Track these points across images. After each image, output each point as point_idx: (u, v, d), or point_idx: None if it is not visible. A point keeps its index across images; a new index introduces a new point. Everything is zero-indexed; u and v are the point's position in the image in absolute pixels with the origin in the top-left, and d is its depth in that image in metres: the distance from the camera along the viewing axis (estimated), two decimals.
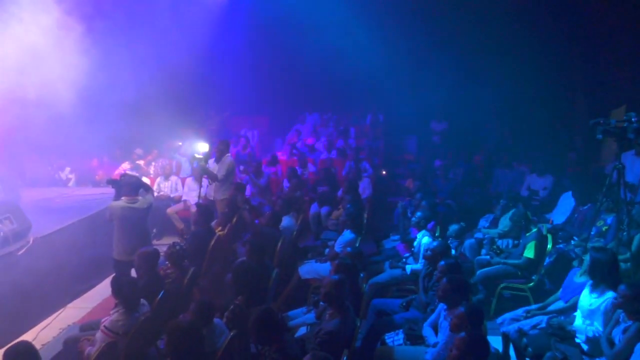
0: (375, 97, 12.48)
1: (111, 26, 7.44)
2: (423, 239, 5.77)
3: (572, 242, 6.07)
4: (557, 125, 10.94)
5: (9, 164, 7.80)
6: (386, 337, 4.35)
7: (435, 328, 4.15)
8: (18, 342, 3.49)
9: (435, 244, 5.10)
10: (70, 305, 6.08)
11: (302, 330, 4.50)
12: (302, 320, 4.66)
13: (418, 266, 5.58)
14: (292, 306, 5.12)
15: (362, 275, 5.05)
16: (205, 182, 7.60)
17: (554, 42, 10.74)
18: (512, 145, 10.45)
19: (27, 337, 5.21)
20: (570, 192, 6.97)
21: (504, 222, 6.57)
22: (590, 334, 3.90)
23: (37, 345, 5.00)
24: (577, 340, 4.00)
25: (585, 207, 6.51)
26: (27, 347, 3.41)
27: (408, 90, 11.28)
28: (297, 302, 5.40)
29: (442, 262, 4.41)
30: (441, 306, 4.18)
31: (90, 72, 6.86)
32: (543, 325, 4.24)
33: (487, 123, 11.64)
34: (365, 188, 8.57)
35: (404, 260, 6.00)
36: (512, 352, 4.47)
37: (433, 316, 4.26)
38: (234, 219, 6.69)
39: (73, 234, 6.28)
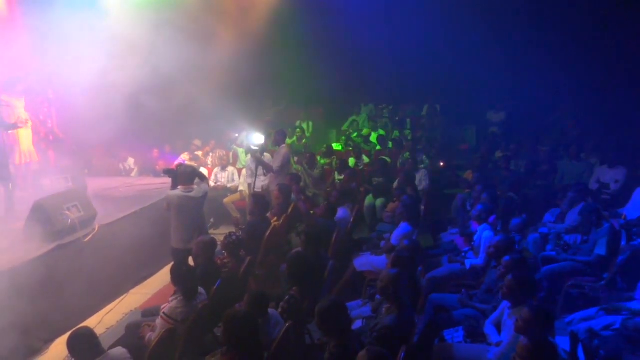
0: (432, 87, 12.13)
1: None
2: (484, 233, 5.54)
3: None
4: (630, 112, 10.22)
5: (77, 155, 8.19)
6: (445, 334, 4.20)
7: (498, 326, 3.96)
8: (80, 328, 3.62)
9: (497, 238, 4.87)
10: (132, 291, 6.30)
11: (358, 324, 4.42)
12: (357, 313, 4.59)
13: (478, 261, 5.37)
14: (347, 298, 5.05)
15: (419, 269, 4.91)
16: (260, 173, 7.66)
17: (622, 21, 10.03)
18: (580, 136, 9.85)
19: (92, 321, 5.45)
20: None
21: (572, 217, 6.21)
22: None
23: (102, 329, 5.26)
24: None
25: None
26: (89, 332, 3.52)
27: (466, 80, 10.89)
28: (352, 295, 5.33)
29: (507, 257, 4.19)
30: (504, 303, 3.97)
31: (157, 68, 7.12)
32: (617, 326, 3.96)
33: (553, 112, 11.05)
34: (421, 179, 8.37)
35: (463, 254, 5.79)
36: (580, 353, 4.21)
37: (496, 313, 4.06)
38: (289, 210, 6.69)
39: (135, 222, 6.49)
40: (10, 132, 6.77)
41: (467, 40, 10.68)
